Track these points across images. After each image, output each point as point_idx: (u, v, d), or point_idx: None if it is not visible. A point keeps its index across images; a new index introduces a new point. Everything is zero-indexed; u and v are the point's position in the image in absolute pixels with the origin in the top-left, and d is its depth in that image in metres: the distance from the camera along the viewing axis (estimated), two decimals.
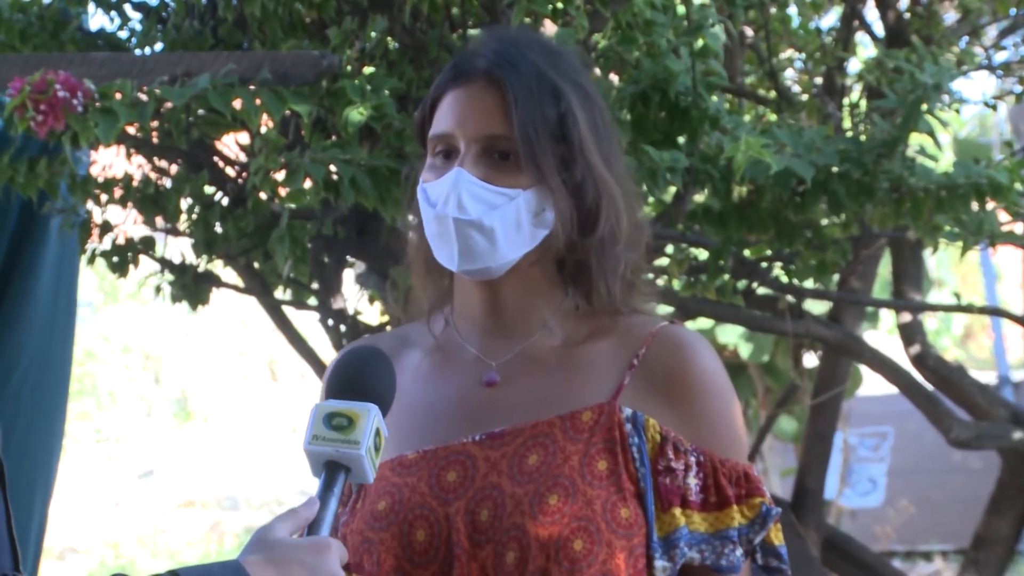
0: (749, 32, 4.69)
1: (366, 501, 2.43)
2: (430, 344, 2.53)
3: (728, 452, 2.41)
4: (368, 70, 3.83)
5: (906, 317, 5.13)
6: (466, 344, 2.49)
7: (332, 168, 3.59)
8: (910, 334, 5.10)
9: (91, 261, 4.27)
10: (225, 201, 4.22)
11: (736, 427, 2.44)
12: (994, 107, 4.85)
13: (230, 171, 4.32)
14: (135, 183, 4.13)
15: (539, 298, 2.47)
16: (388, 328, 4.51)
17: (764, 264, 4.45)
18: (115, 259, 4.25)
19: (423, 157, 2.50)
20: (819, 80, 4.96)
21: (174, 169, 4.33)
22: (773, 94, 4.78)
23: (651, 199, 4.06)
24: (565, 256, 2.45)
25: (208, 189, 4.22)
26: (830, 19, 5.60)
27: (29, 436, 4.89)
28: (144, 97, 3.60)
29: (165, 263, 4.39)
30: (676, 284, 4.33)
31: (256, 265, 4.50)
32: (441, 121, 2.45)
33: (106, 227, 4.23)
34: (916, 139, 3.87)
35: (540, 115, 2.39)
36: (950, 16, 5.13)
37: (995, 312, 5.50)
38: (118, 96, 3.57)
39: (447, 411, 2.45)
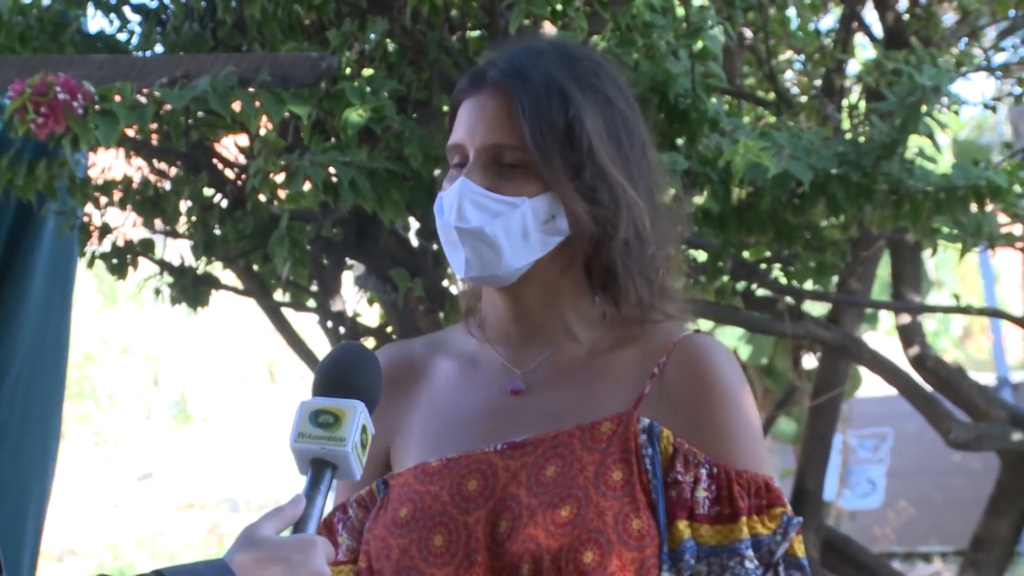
0: (748, 34, 4.69)
1: (388, 508, 2.44)
2: (461, 351, 2.54)
3: (746, 463, 2.40)
4: (367, 72, 3.83)
5: (905, 318, 5.13)
6: (495, 352, 2.50)
7: (331, 170, 3.59)
8: (909, 335, 5.10)
9: (90, 264, 4.27)
10: (224, 203, 4.21)
11: (753, 437, 2.43)
12: (993, 109, 4.86)
13: (229, 173, 4.32)
14: (134, 185, 4.12)
15: (564, 305, 2.47)
16: (387, 329, 4.52)
17: (763, 266, 4.45)
18: (114, 261, 4.24)
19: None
20: (818, 82, 4.96)
21: (173, 171, 4.32)
22: (772, 96, 4.78)
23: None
24: (592, 262, 2.45)
25: (207, 191, 4.21)
26: (829, 20, 5.60)
27: (24, 438, 4.88)
28: (144, 99, 3.60)
29: (164, 265, 4.38)
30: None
31: (255, 267, 4.49)
32: (455, 132, 2.47)
33: (105, 229, 4.22)
34: (915, 141, 3.88)
35: (547, 122, 2.40)
36: (949, 17, 5.13)
37: (994, 313, 5.51)
38: (118, 98, 3.57)
39: (472, 419, 2.46)
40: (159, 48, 4.24)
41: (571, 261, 2.45)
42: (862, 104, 4.71)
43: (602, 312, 2.48)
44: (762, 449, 2.44)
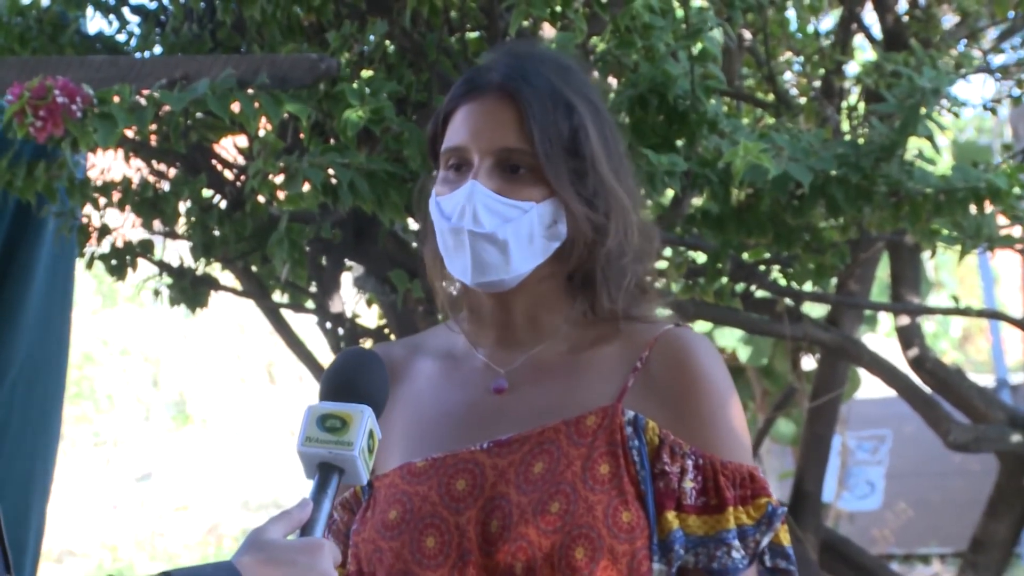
0: (747, 35, 4.69)
1: (376, 510, 2.43)
2: (442, 351, 2.54)
3: (730, 453, 2.40)
4: (366, 73, 3.83)
5: (904, 320, 5.13)
6: (476, 351, 2.50)
7: (330, 171, 3.59)
8: (908, 337, 5.10)
9: (89, 265, 4.27)
10: (223, 204, 4.22)
11: (737, 428, 2.43)
12: (993, 110, 4.86)
13: (228, 174, 4.32)
14: (133, 186, 4.13)
15: (549, 308, 2.48)
16: (386, 331, 4.52)
17: (762, 267, 4.45)
18: (113, 262, 4.24)
19: (434, 170, 2.51)
20: (817, 83, 4.96)
21: (172, 172, 4.33)
22: (771, 97, 4.78)
23: (649, 202, 4.06)
24: (574, 267, 2.45)
25: (206, 192, 4.22)
26: (828, 22, 5.60)
27: (24, 439, 4.88)
28: (143, 101, 3.60)
29: (163, 266, 4.39)
30: (674, 287, 4.33)
31: (254, 268, 4.50)
32: (455, 134, 2.45)
33: (104, 230, 4.22)
34: (914, 143, 3.87)
35: (555, 129, 2.41)
36: (948, 19, 5.13)
37: (993, 315, 5.50)
38: (116, 100, 3.57)
39: (456, 418, 2.46)
40: (158, 49, 4.24)
41: (561, 267, 2.45)
42: (861, 106, 4.71)
43: (582, 311, 2.48)
44: (746, 440, 2.45)
